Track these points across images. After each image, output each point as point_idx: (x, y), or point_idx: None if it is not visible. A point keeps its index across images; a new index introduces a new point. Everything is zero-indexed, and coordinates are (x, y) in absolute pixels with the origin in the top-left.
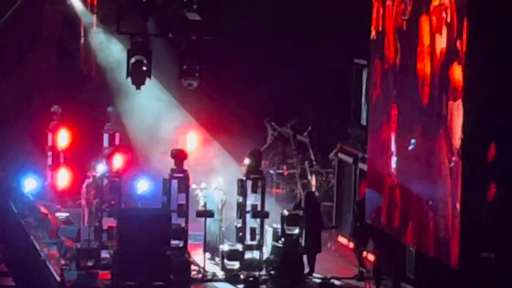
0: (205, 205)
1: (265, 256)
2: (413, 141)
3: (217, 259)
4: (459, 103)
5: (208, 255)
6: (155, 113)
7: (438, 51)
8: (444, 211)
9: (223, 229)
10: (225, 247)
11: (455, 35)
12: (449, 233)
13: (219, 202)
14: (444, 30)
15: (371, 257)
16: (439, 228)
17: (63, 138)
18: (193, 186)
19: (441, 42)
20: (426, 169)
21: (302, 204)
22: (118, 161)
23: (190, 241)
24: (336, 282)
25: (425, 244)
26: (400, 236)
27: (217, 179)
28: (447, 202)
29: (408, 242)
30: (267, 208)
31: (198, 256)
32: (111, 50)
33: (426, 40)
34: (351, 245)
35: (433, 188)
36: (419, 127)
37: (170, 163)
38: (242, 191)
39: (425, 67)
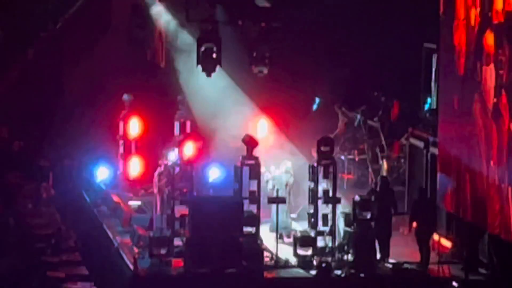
0: (273, 187)
1: (337, 241)
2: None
3: (285, 239)
4: (491, 67)
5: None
6: (225, 100)
7: (472, 22)
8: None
9: (295, 216)
10: (297, 233)
11: (487, 7)
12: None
13: (287, 184)
14: (478, 2)
15: (445, 242)
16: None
17: (134, 126)
18: (262, 169)
19: (475, 14)
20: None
21: (377, 189)
22: (189, 149)
23: None
24: (409, 267)
25: (493, 225)
26: (471, 219)
27: (285, 162)
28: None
29: (476, 224)
30: (338, 193)
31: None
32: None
33: (461, 15)
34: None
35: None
36: (456, 97)
37: (242, 150)
38: (313, 177)
39: (460, 39)
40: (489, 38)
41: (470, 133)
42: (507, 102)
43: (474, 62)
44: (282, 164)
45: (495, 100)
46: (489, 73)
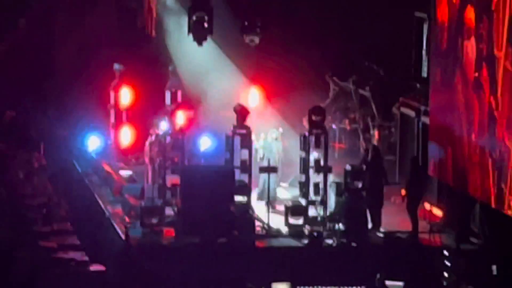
0: (263, 156)
1: (328, 211)
2: None
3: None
4: (472, 41)
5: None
6: (215, 70)
7: None
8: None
9: (286, 185)
10: (288, 202)
11: None
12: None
13: (276, 152)
14: None
15: (436, 211)
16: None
17: (125, 96)
18: (252, 137)
19: None
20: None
21: (369, 158)
22: (180, 118)
23: None
24: (401, 236)
25: (486, 195)
26: (462, 188)
27: (276, 130)
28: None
29: (471, 194)
30: (329, 163)
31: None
32: None
33: None
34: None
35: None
36: (439, 70)
37: (232, 119)
38: (305, 146)
39: (443, 13)
40: (470, 13)
41: (455, 104)
42: (488, 75)
43: (455, 36)
44: (271, 131)
45: (476, 74)
46: (470, 47)
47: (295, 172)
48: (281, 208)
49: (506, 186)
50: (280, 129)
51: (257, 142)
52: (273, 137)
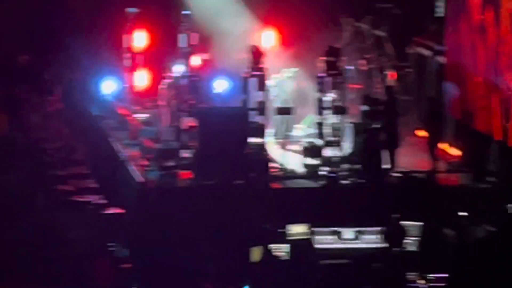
0: (277, 95)
1: (345, 151)
2: None
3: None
4: None
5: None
6: (230, 13)
7: None
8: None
9: (302, 126)
10: (304, 143)
11: None
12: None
13: (290, 91)
14: None
15: (453, 151)
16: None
17: (140, 39)
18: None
19: None
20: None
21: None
22: (195, 61)
23: None
24: (417, 176)
25: (493, 134)
26: (473, 127)
27: (290, 69)
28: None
29: (485, 132)
30: (346, 103)
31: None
32: None
33: None
34: (426, 138)
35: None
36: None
37: (247, 61)
38: (321, 87)
39: None
40: None
41: (464, 46)
42: (492, 18)
43: None
44: (285, 70)
45: (480, 16)
46: None
47: (310, 113)
48: (296, 149)
49: (511, 125)
50: (295, 69)
51: (271, 81)
52: (288, 75)
